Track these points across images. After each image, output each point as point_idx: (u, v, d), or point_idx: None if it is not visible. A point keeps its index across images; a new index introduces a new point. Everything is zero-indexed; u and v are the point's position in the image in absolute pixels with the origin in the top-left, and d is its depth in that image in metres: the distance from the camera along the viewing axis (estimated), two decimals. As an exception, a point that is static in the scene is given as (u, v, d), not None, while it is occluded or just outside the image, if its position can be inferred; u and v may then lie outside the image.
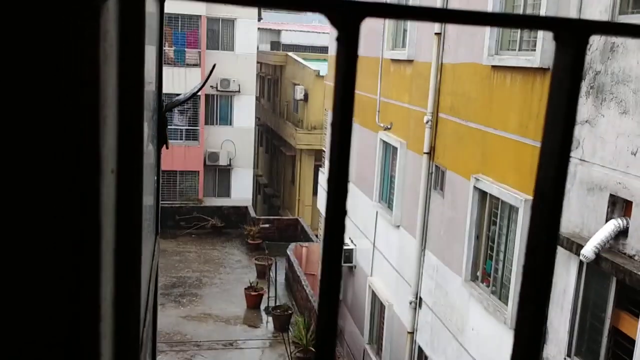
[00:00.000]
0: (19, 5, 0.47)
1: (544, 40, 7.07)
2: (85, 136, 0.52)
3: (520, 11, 7.90)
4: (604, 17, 6.12)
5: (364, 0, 0.41)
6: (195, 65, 24.24)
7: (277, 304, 16.49)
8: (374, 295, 12.88)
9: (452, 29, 9.65)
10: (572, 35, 0.47)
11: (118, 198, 0.72)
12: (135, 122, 0.80)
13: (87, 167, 0.52)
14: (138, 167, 0.80)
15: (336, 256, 0.45)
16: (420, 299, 10.63)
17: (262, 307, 16.90)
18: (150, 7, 1.43)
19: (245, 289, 17.12)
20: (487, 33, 8.36)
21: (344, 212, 0.43)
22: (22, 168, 0.51)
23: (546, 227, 0.50)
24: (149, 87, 1.54)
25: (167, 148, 1.93)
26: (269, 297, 16.78)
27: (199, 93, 23.65)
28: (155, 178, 1.85)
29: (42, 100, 0.50)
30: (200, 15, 24.20)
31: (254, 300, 16.87)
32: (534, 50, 7.40)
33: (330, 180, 0.42)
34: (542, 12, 7.11)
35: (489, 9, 8.31)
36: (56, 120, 0.51)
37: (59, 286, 0.54)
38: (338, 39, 0.41)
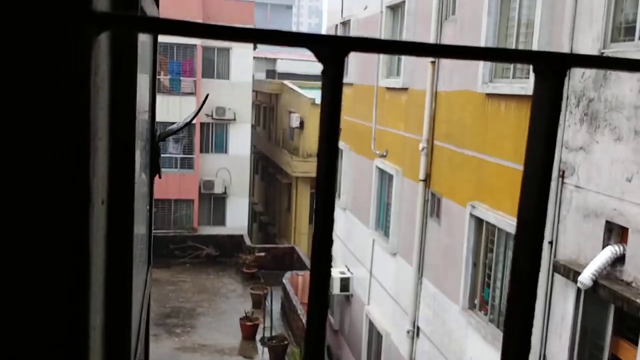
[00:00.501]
0: (9, 39, 0.48)
1: (537, 68, 7.13)
2: (75, 167, 0.52)
3: (513, 40, 8.00)
4: (596, 45, 6.20)
5: (347, 36, 0.42)
6: (190, 93, 24.38)
7: (273, 334, 16.29)
8: (371, 324, 12.75)
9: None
10: (551, 68, 0.48)
11: (109, 228, 0.71)
12: (127, 153, 0.80)
13: (77, 198, 0.52)
14: (129, 197, 0.79)
15: (324, 283, 0.45)
16: (418, 327, 10.51)
17: (258, 337, 16.70)
18: (144, 35, 1.44)
19: (241, 319, 16.93)
20: (481, 61, 8.45)
21: (330, 242, 0.43)
22: (9, 200, 0.51)
23: (529, 254, 0.50)
24: (142, 116, 1.54)
25: (159, 177, 1.91)
26: (264, 327, 16.59)
27: (193, 121, 23.75)
28: (148, 207, 1.83)
29: (32, 131, 0.50)
30: (195, 45, 24.43)
31: (249, 330, 16.66)
32: (528, 77, 7.48)
33: (317, 212, 0.42)
34: (535, 41, 7.20)
35: (482, 38, 8.41)
36: (45, 151, 0.51)
37: (47, 315, 0.54)
38: (323, 73, 0.41)
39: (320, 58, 0.42)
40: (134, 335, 1.18)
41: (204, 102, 3.30)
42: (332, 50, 0.41)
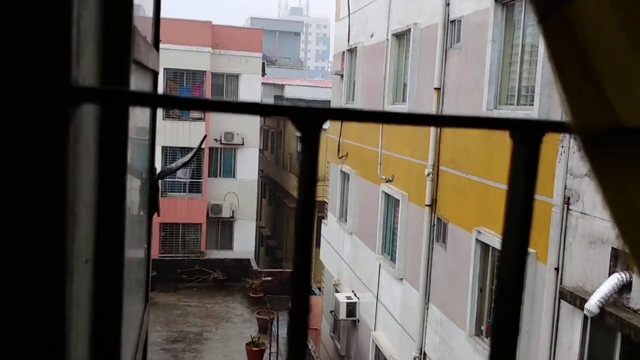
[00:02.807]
0: None
1: (542, 95, 7.20)
2: (50, 231, 0.52)
3: (517, 68, 8.08)
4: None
5: (323, 108, 0.45)
6: (199, 119, 24.61)
7: (279, 359, 16.17)
8: (377, 350, 12.65)
9: (451, 84, 9.84)
10: (527, 135, 0.50)
11: (96, 287, 0.73)
12: (116, 213, 0.80)
13: (52, 261, 0.52)
14: (118, 254, 0.81)
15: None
16: (425, 354, 10.43)
17: (264, 362, 16.58)
18: (141, 84, 1.46)
19: (247, 344, 16.83)
20: (486, 87, 8.53)
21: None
22: None
23: (510, 321, 0.51)
24: (142, 158, 1.57)
25: (158, 215, 1.95)
26: (270, 353, 16.48)
27: (202, 146, 23.93)
28: (146, 246, 1.86)
29: (5, 201, 0.50)
30: (205, 71, 24.73)
31: (255, 356, 16.56)
32: (532, 105, 7.53)
33: (293, 282, 0.45)
34: (539, 68, 7.27)
35: (487, 65, 8.50)
36: (19, 212, 0.51)
37: None
38: (301, 140, 0.45)
39: (298, 127, 0.46)
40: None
41: (201, 141, 3.39)
42: (310, 120, 0.46)
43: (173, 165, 2.94)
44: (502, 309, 0.52)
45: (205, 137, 3.79)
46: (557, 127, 0.54)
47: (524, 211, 0.53)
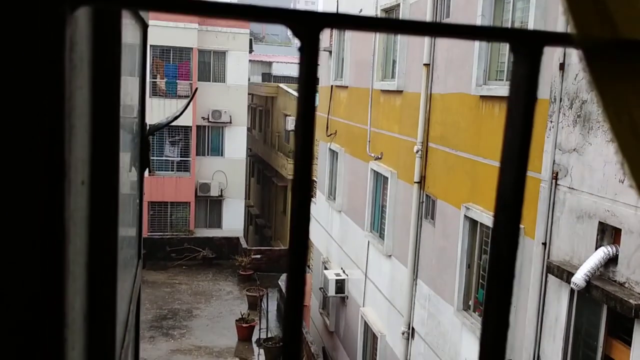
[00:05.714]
0: None
1: (531, 70, 7.17)
2: (47, 144, 0.50)
3: (506, 47, 8.03)
4: (588, 47, 6.23)
5: (322, 12, 0.43)
6: (187, 96, 24.39)
7: (269, 335, 16.28)
8: (366, 326, 12.76)
9: (440, 60, 9.79)
10: (527, 46, 0.49)
11: (92, 209, 0.71)
12: (110, 136, 0.79)
13: (51, 176, 0.51)
14: (113, 179, 0.79)
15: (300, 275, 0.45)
16: (413, 329, 10.53)
17: (254, 339, 16.69)
18: (132, 35, 1.42)
19: (237, 320, 16.92)
20: (475, 63, 8.49)
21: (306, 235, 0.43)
22: None
23: (509, 235, 0.50)
24: (131, 111, 1.54)
25: (149, 173, 1.93)
26: (260, 329, 16.59)
27: (189, 124, 23.77)
28: (138, 201, 1.84)
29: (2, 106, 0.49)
30: (191, 48, 24.45)
31: (245, 332, 16.66)
32: (521, 80, 7.51)
33: (293, 191, 0.43)
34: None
35: (476, 47, 8.44)
36: (15, 127, 0.49)
37: (17, 297, 0.52)
38: (300, 49, 0.43)
39: (296, 34, 0.44)
40: (121, 325, 1.18)
41: (193, 94, 3.34)
42: (308, 26, 0.43)
43: (163, 120, 2.93)
44: (503, 228, 0.51)
45: (196, 89, 3.76)
46: (558, 38, 0.53)
47: (525, 126, 0.51)
